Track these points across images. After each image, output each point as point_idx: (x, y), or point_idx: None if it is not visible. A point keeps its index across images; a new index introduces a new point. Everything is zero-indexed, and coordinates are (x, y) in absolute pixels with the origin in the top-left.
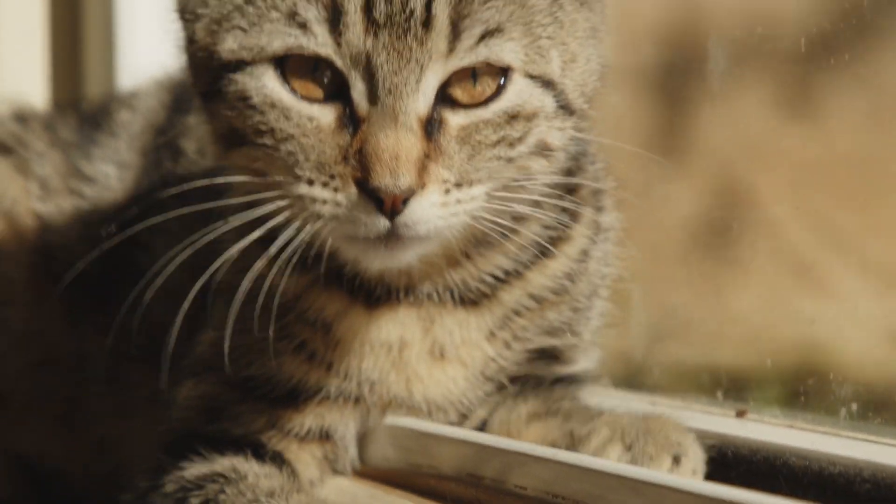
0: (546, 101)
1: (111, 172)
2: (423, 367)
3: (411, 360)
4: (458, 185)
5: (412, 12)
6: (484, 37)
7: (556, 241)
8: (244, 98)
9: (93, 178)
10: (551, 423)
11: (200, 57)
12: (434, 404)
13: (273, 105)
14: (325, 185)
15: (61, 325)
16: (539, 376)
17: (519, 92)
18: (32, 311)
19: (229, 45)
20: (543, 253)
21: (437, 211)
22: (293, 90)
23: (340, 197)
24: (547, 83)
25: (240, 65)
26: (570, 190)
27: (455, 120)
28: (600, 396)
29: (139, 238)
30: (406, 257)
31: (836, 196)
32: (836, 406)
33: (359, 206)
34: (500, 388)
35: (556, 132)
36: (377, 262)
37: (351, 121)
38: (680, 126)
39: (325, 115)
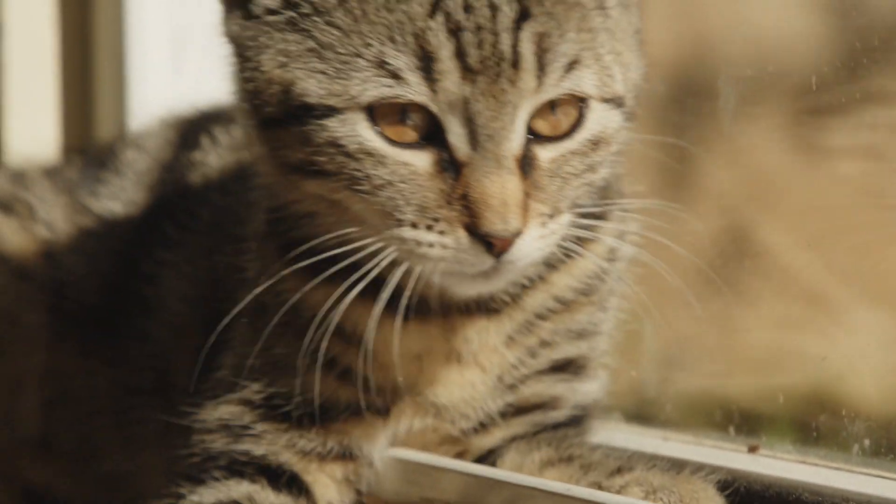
0: (618, 118)
1: (117, 209)
2: (443, 372)
3: (433, 367)
4: (552, 216)
5: (503, 55)
6: (567, 69)
7: (583, 240)
8: (336, 145)
9: (100, 215)
10: (568, 471)
11: (269, 90)
12: (456, 410)
13: (369, 153)
14: (429, 228)
15: (73, 362)
16: (554, 399)
17: (598, 118)
18: (48, 351)
19: (313, 89)
20: (568, 254)
21: (537, 244)
22: (385, 137)
23: (448, 240)
24: (617, 102)
25: (328, 111)
26: (602, 188)
27: (544, 154)
28: (612, 432)
29: (145, 271)
30: (502, 284)
31: (846, 232)
32: (849, 442)
33: (468, 250)
34: (517, 411)
35: (621, 142)
36: (473, 291)
37: (450, 165)
38: (690, 161)
39: (421, 159)
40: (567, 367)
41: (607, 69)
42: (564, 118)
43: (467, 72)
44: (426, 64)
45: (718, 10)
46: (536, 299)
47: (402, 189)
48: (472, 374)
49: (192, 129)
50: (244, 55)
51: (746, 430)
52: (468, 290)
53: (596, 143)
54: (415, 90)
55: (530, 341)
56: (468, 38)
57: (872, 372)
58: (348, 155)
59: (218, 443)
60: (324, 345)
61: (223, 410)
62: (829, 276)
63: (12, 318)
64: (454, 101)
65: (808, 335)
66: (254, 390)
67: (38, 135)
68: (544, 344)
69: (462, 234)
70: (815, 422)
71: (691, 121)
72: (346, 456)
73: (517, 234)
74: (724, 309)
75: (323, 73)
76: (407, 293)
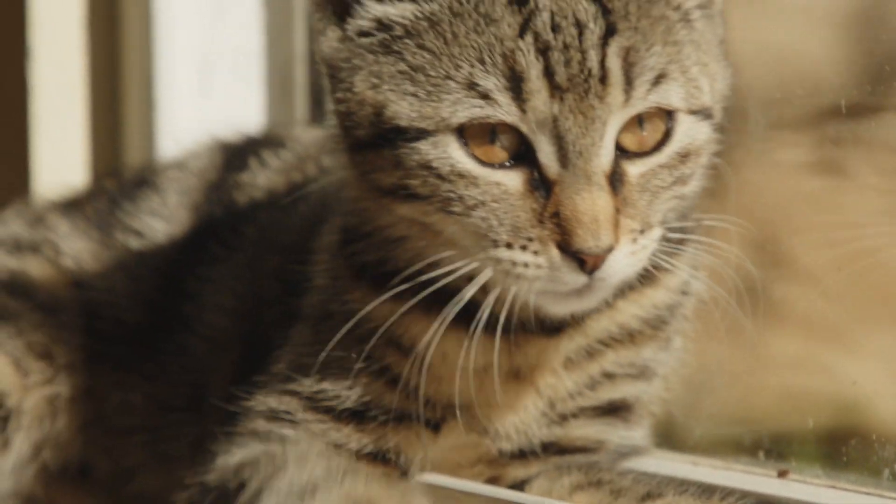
0: (706, 130)
1: (159, 227)
2: (498, 390)
3: (488, 385)
4: (642, 231)
5: (591, 71)
6: (654, 82)
7: (657, 268)
8: (428, 167)
9: (140, 231)
10: (598, 496)
11: (361, 111)
12: (503, 430)
13: (461, 175)
14: (524, 248)
15: (109, 382)
16: (598, 443)
17: (686, 131)
18: (83, 373)
19: (405, 111)
20: (644, 278)
21: (628, 260)
22: (476, 157)
23: (541, 260)
24: (705, 113)
25: (420, 134)
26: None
27: (633, 169)
28: (642, 457)
29: (186, 287)
30: (594, 303)
31: (877, 255)
32: (879, 466)
33: (561, 268)
34: (559, 451)
35: (710, 153)
36: (566, 309)
37: (541, 184)
38: (718, 183)
39: (512, 179)
40: (618, 411)
41: (694, 81)
42: (652, 133)
43: (555, 90)
44: (515, 84)
45: (748, 33)
46: (601, 323)
47: (495, 209)
48: (526, 395)
49: (239, 152)
50: (337, 76)
51: (776, 454)
52: (562, 308)
53: (685, 156)
54: (505, 110)
55: (591, 369)
56: (556, 56)
57: None
58: (441, 177)
59: (260, 426)
60: (381, 353)
61: (272, 400)
62: (859, 299)
63: (48, 350)
64: (543, 119)
65: (837, 359)
66: (305, 384)
67: (66, 160)
68: (606, 375)
69: (555, 253)
70: (845, 446)
71: (720, 142)
72: (378, 458)
73: (609, 250)
74: (754, 332)
75: (414, 95)
76: (502, 314)
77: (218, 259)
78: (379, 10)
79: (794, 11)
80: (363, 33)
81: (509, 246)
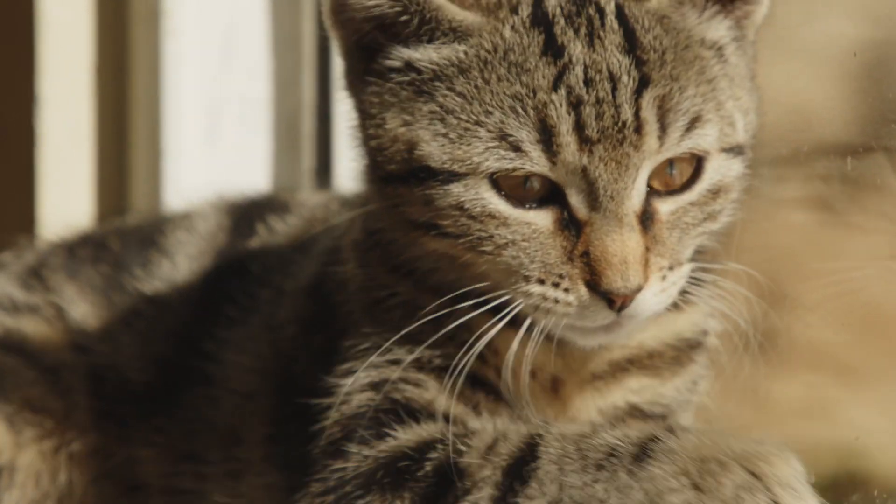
0: (738, 166)
1: (170, 291)
2: (547, 399)
3: (541, 394)
4: (671, 268)
5: (624, 123)
6: (689, 127)
7: (683, 301)
8: (460, 208)
9: (151, 296)
10: None
11: (392, 147)
12: None
13: (492, 216)
14: (555, 285)
15: (112, 436)
16: None
17: (717, 168)
18: (91, 433)
19: (436, 153)
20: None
21: (656, 298)
22: (507, 198)
23: (572, 297)
24: (738, 150)
25: (452, 176)
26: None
27: (664, 207)
28: None
29: (207, 349)
30: (622, 338)
31: (879, 308)
32: None
33: (590, 306)
34: None
35: (741, 189)
36: (594, 342)
37: (571, 224)
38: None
39: (543, 218)
40: None
41: (728, 118)
42: (679, 175)
43: (584, 143)
44: (546, 137)
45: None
46: (621, 351)
47: (525, 248)
48: (570, 410)
49: (245, 217)
50: (368, 112)
51: None
52: (590, 342)
53: (716, 193)
54: (535, 163)
55: (615, 395)
56: (587, 111)
57: None
58: (472, 217)
59: (363, 402)
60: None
61: (367, 374)
62: (861, 351)
63: (45, 407)
64: (573, 169)
65: (839, 409)
66: (400, 353)
67: (72, 207)
68: (634, 409)
69: (584, 291)
70: (847, 501)
71: None
72: None
73: (638, 290)
74: (755, 382)
75: (445, 136)
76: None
77: (236, 321)
78: (405, 54)
79: (799, 55)
80: (393, 70)
81: (541, 282)
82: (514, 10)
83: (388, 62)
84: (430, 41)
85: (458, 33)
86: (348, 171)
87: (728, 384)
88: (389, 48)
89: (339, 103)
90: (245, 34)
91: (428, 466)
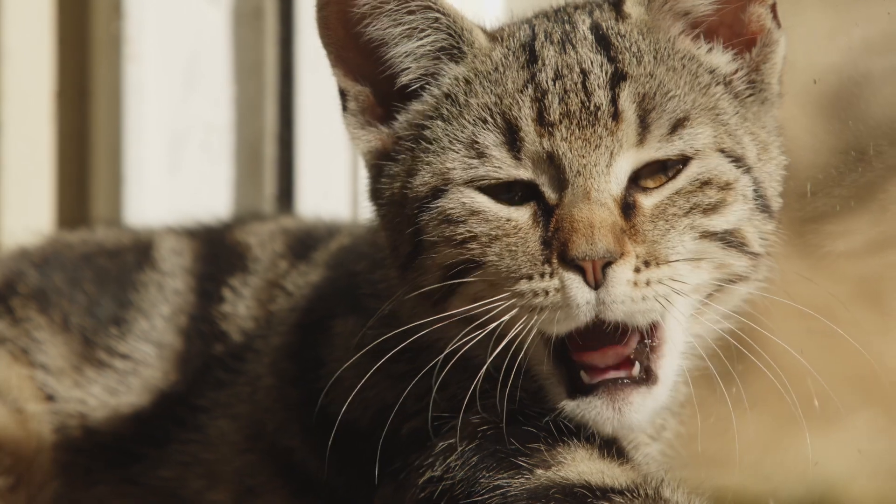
0: (742, 178)
1: (148, 351)
2: None
3: None
4: (650, 263)
5: (598, 107)
6: (675, 128)
7: None
8: (446, 218)
9: (128, 354)
10: None
11: (397, 219)
12: None
13: (473, 212)
14: (542, 275)
15: (80, 483)
16: None
17: (708, 163)
18: (55, 479)
19: (421, 179)
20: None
21: (633, 292)
22: (490, 198)
23: (555, 282)
24: (740, 161)
25: (435, 193)
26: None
27: (648, 201)
28: None
29: (199, 404)
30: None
31: (843, 334)
32: None
33: (568, 285)
34: None
35: (754, 228)
36: (609, 427)
37: (546, 213)
38: None
39: (521, 214)
40: None
41: (731, 131)
42: (672, 172)
43: (543, 126)
44: (510, 136)
45: None
46: None
47: (509, 243)
48: None
49: (211, 281)
50: (380, 204)
51: None
52: (605, 426)
53: (706, 183)
54: (499, 164)
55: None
56: (550, 99)
57: (867, 474)
58: (455, 222)
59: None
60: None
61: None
62: (825, 375)
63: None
64: (539, 157)
65: (802, 437)
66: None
67: (32, 235)
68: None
69: (560, 268)
70: None
71: None
72: None
73: (607, 255)
74: (720, 410)
75: (427, 162)
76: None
77: (225, 383)
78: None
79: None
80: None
81: (530, 277)
82: (511, 36)
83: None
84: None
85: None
86: (309, 197)
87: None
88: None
89: (301, 130)
90: (207, 61)
91: None
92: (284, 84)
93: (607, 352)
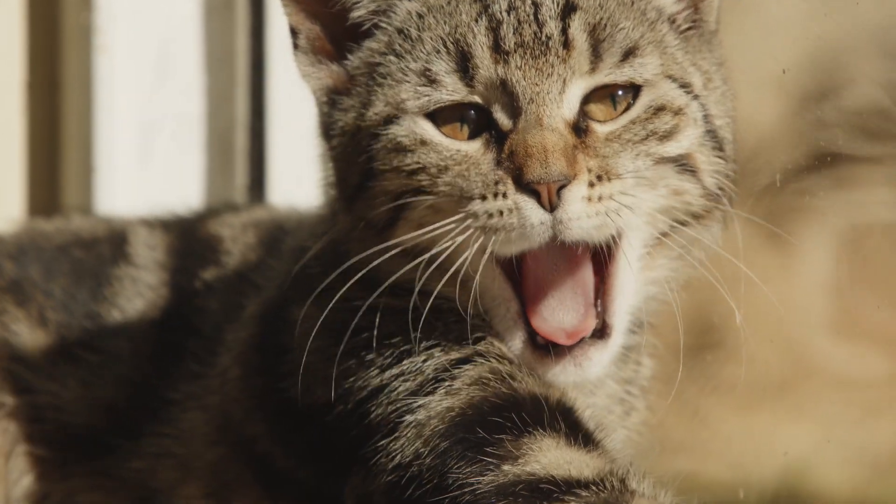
0: (692, 104)
1: (124, 345)
2: None
3: None
4: (602, 177)
5: (549, 37)
6: (626, 56)
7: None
8: (396, 146)
9: (100, 347)
10: None
11: (348, 149)
12: None
13: (424, 142)
14: (496, 195)
15: (55, 477)
16: None
17: (659, 88)
18: (29, 473)
19: (375, 110)
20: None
21: (584, 207)
22: (442, 132)
23: (508, 202)
24: (688, 87)
25: (388, 121)
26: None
27: (603, 129)
28: None
29: (171, 397)
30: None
31: (811, 323)
32: None
33: (523, 206)
34: None
35: (706, 158)
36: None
37: (499, 139)
38: None
39: (473, 145)
40: None
41: (677, 60)
42: (620, 105)
43: (499, 54)
44: (463, 64)
45: None
46: None
47: (459, 171)
48: None
49: (184, 275)
50: (331, 138)
51: None
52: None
53: (660, 109)
54: (450, 90)
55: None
56: (505, 29)
57: (839, 464)
58: (405, 150)
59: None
60: None
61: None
62: (796, 366)
63: None
64: (492, 83)
65: (774, 428)
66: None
67: (3, 226)
68: None
69: (514, 190)
70: None
71: None
72: None
73: (562, 178)
74: (693, 400)
75: (383, 93)
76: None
77: (197, 375)
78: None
79: (741, 75)
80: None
81: (483, 198)
82: None
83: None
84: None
85: None
86: (281, 187)
87: (669, 403)
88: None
89: (273, 120)
90: (178, 51)
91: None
92: (256, 74)
93: (567, 334)
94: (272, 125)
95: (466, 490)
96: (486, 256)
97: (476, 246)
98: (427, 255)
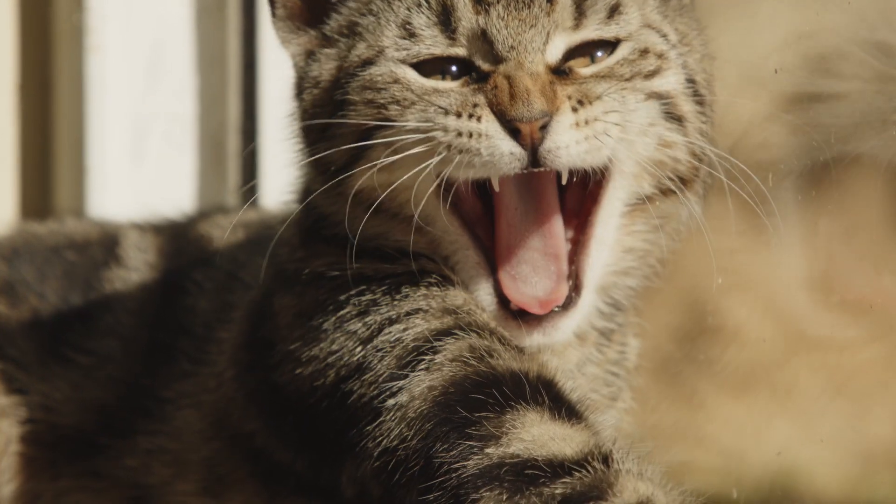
0: (671, 51)
1: (113, 345)
2: None
3: None
4: (581, 101)
5: None
6: (612, 14)
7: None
8: (370, 84)
9: (92, 350)
10: None
11: (320, 97)
12: None
13: (398, 80)
14: (470, 116)
15: (46, 477)
16: None
17: (641, 36)
18: (19, 474)
19: (354, 54)
20: None
21: (573, 134)
22: (421, 73)
23: (483, 126)
24: (666, 38)
25: (366, 63)
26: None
27: (586, 70)
28: None
29: (165, 396)
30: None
31: (803, 323)
32: None
33: (497, 135)
34: None
35: (690, 109)
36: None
37: (479, 79)
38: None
39: (452, 84)
40: None
41: (654, 19)
42: (602, 57)
43: (480, 4)
44: (445, 17)
45: None
46: None
47: (433, 100)
48: None
49: (175, 276)
50: (306, 88)
51: None
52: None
53: (644, 51)
54: (429, 44)
55: None
56: None
57: (831, 459)
58: (378, 88)
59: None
60: None
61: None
62: (789, 361)
63: None
64: (473, 34)
65: (768, 423)
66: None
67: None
68: None
69: (488, 114)
70: None
71: None
72: None
73: (542, 117)
74: (686, 395)
75: (365, 38)
76: None
77: (190, 374)
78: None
79: (735, 76)
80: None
81: (458, 115)
82: None
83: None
84: None
85: None
86: (273, 187)
87: (661, 399)
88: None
89: (265, 121)
90: (170, 51)
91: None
92: (248, 75)
93: (540, 303)
94: (264, 126)
95: (452, 475)
96: (438, 182)
97: (435, 160)
98: (384, 195)
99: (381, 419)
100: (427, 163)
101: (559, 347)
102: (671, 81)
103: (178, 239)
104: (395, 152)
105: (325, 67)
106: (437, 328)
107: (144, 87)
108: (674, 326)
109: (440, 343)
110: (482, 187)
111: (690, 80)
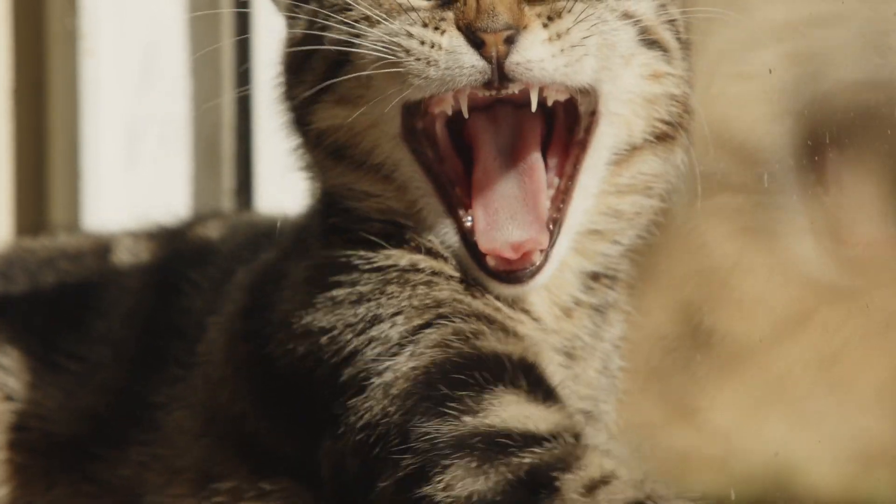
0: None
1: (105, 352)
2: None
3: None
4: (551, 17)
5: None
6: None
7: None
8: (344, 5)
9: (84, 357)
10: None
11: (302, 38)
12: None
13: None
14: (435, 28)
15: (39, 487)
16: None
17: None
18: (15, 485)
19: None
20: None
21: (548, 48)
22: None
23: (444, 38)
24: None
25: None
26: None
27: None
28: None
29: (155, 401)
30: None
31: (800, 323)
32: None
33: (460, 47)
34: None
35: (665, 33)
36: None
37: (446, 3)
38: (647, 251)
39: (421, 1)
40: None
41: None
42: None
43: None
44: None
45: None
46: None
47: (405, 18)
48: None
49: (170, 278)
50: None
51: None
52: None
53: None
54: None
55: None
56: None
57: (830, 459)
58: (347, 7)
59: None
60: None
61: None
62: (785, 363)
63: None
64: None
65: (764, 425)
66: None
67: None
68: None
69: (453, 28)
70: None
71: None
72: None
73: (506, 28)
74: (681, 399)
75: None
76: None
77: (179, 378)
78: None
79: (735, 80)
80: None
81: (424, 25)
82: None
83: None
84: None
85: None
86: (268, 190)
87: (653, 404)
88: None
89: (260, 123)
90: (164, 54)
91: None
92: (242, 77)
93: (513, 247)
94: (259, 129)
95: (426, 439)
96: (402, 120)
97: (395, 89)
98: (347, 138)
99: (364, 395)
100: (389, 91)
101: (551, 323)
102: (643, 4)
103: (172, 242)
104: (357, 70)
105: (304, 10)
106: (419, 324)
107: (138, 90)
108: (671, 331)
109: (422, 334)
110: (465, 150)
111: (662, 5)
